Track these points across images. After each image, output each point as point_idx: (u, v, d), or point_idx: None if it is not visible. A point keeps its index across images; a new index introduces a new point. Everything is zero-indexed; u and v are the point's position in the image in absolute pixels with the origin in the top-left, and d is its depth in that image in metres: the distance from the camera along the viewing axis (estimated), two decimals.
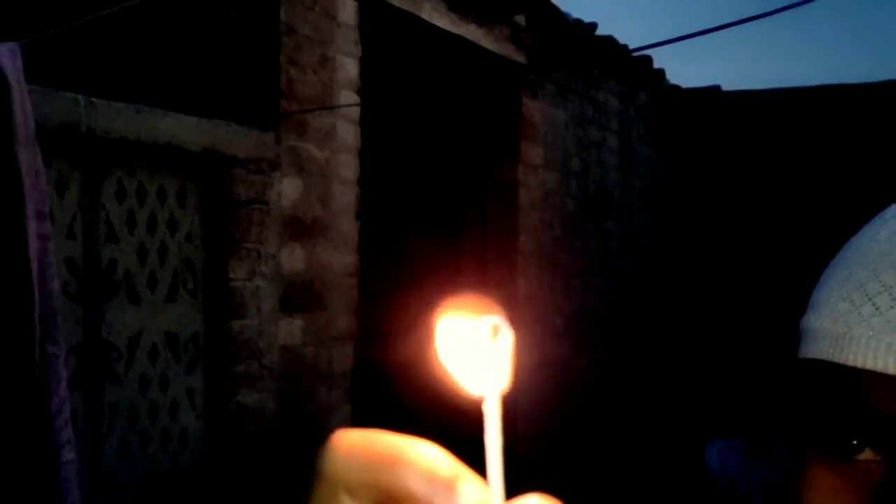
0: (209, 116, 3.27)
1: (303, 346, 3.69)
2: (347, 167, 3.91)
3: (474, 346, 0.34)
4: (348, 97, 3.90)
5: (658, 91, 7.19)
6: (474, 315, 0.34)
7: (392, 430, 0.33)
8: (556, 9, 5.42)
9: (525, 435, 5.12)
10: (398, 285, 4.89)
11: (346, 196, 3.91)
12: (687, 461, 4.46)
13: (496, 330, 0.34)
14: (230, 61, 3.55)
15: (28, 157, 2.22)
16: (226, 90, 3.53)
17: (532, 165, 5.49)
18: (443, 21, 4.56)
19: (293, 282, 3.62)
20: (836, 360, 0.51)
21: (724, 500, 3.67)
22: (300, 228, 3.66)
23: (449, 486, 0.31)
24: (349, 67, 3.91)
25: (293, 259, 3.62)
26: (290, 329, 3.62)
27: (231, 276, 3.35)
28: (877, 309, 0.50)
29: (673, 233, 7.48)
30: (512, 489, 0.33)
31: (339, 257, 3.88)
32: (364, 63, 4.01)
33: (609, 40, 6.00)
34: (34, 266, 2.20)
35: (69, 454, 2.24)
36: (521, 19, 5.22)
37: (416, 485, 0.31)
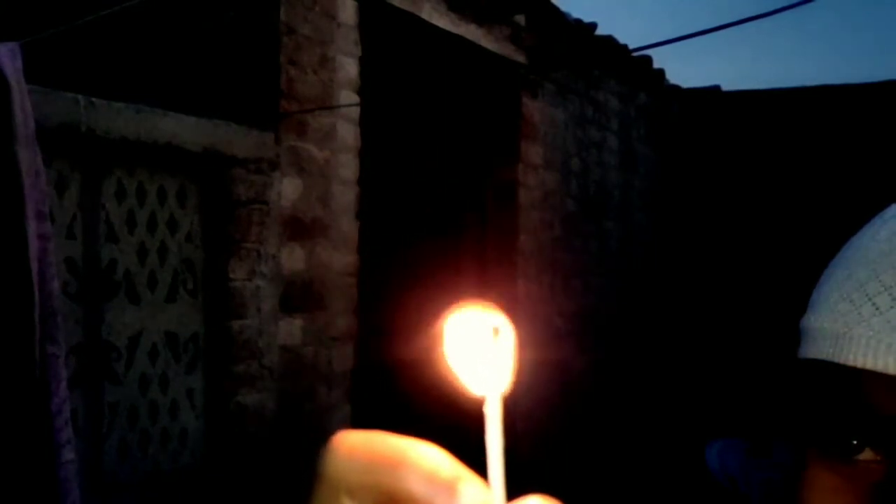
0: (209, 116, 3.27)
1: (303, 345, 3.69)
2: (347, 167, 3.91)
3: (477, 346, 0.34)
4: (348, 97, 3.90)
5: (658, 91, 7.19)
6: (477, 315, 0.34)
7: (393, 430, 0.33)
8: (556, 9, 5.42)
9: (525, 435, 5.12)
10: (398, 285, 4.90)
11: (346, 196, 3.91)
12: (687, 461, 4.46)
13: (498, 330, 0.34)
14: (230, 61, 3.55)
15: (28, 157, 2.22)
16: (226, 90, 3.53)
17: (532, 165, 5.49)
18: (443, 21, 4.56)
19: (293, 282, 3.62)
20: (836, 360, 0.51)
21: (724, 500, 3.67)
22: (300, 228, 3.66)
23: (450, 488, 0.31)
24: (349, 67, 3.91)
25: (293, 259, 3.62)
26: (290, 329, 3.62)
27: (231, 276, 3.35)
28: (877, 309, 0.50)
29: (673, 233, 7.48)
30: (512, 489, 0.33)
31: (339, 257, 3.88)
32: (364, 63, 4.01)
33: (609, 40, 6.00)
34: (34, 266, 2.20)
35: (69, 454, 2.24)
36: (520, 19, 5.22)
37: (417, 486, 0.31)
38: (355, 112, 3.93)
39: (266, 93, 3.53)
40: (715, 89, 7.74)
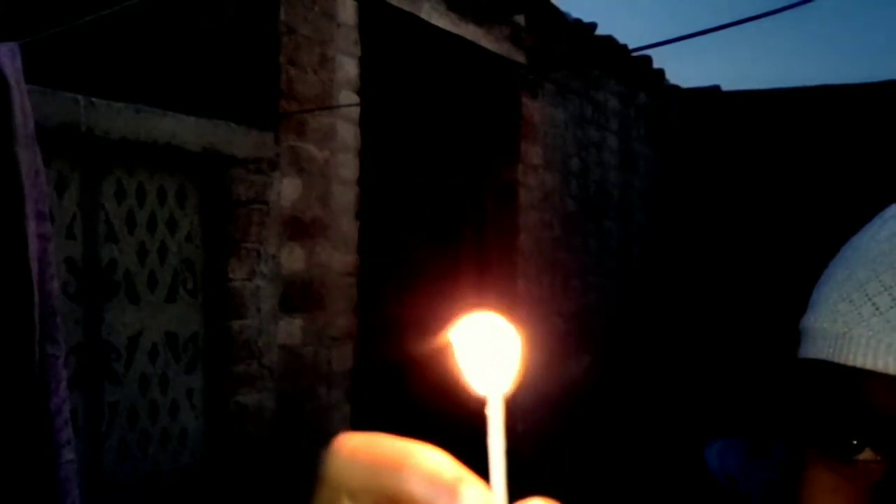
0: (209, 116, 3.27)
1: (302, 345, 3.69)
2: (347, 167, 3.91)
3: (483, 347, 0.34)
4: (348, 97, 3.90)
5: (658, 91, 7.19)
6: (485, 319, 0.34)
7: (392, 430, 0.33)
8: (555, 9, 5.42)
9: (525, 435, 5.12)
10: (398, 285, 4.89)
11: (345, 196, 3.91)
12: (687, 461, 4.46)
13: (504, 332, 0.34)
14: (230, 61, 3.55)
15: (28, 157, 2.22)
16: (225, 90, 3.53)
17: (532, 165, 5.49)
18: (442, 21, 4.56)
19: (293, 282, 3.62)
20: (835, 360, 0.51)
21: (723, 500, 3.67)
22: (300, 228, 3.66)
23: (452, 490, 0.31)
24: (349, 67, 3.91)
25: (293, 259, 3.62)
26: (290, 329, 3.62)
27: (231, 276, 3.35)
28: (877, 309, 0.50)
29: (673, 233, 7.48)
30: (513, 490, 0.33)
31: (339, 257, 3.88)
32: (364, 63, 4.01)
33: (609, 40, 6.00)
34: (34, 266, 2.20)
35: (69, 454, 2.24)
36: (520, 19, 5.22)
37: (418, 488, 0.31)
38: (355, 112, 3.93)
39: (266, 93, 3.53)
40: (715, 89, 7.74)
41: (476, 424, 0.37)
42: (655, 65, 6.87)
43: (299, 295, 3.65)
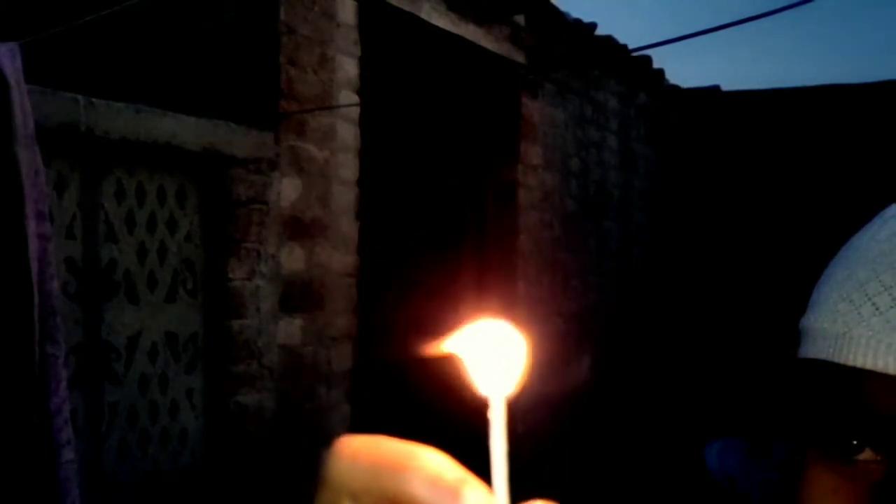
0: (209, 116, 3.27)
1: (302, 345, 3.69)
2: (347, 167, 3.91)
3: (487, 350, 0.34)
4: (348, 97, 3.90)
5: (658, 91, 7.19)
6: (491, 323, 0.34)
7: (392, 430, 0.33)
8: (555, 9, 5.42)
9: (525, 435, 5.12)
10: (398, 285, 4.89)
11: (345, 196, 3.91)
12: (687, 461, 4.46)
13: (510, 336, 0.34)
14: (230, 61, 3.55)
15: (28, 157, 2.22)
16: (225, 90, 3.53)
17: (532, 165, 5.49)
18: (442, 21, 4.56)
19: (293, 282, 3.62)
20: (835, 360, 0.51)
21: (724, 500, 3.67)
22: (300, 228, 3.66)
23: (454, 492, 0.31)
24: (349, 67, 3.91)
25: (292, 259, 3.62)
26: (290, 329, 3.62)
27: (230, 275, 3.35)
28: (877, 309, 0.50)
29: (673, 233, 7.48)
30: (513, 490, 0.33)
31: (339, 257, 3.88)
32: (364, 63, 4.01)
33: (609, 40, 6.00)
34: (34, 266, 2.20)
35: (69, 454, 2.24)
36: (520, 19, 5.22)
37: (420, 490, 0.31)
38: (355, 112, 3.93)
39: (266, 93, 3.53)
40: (715, 89, 7.74)
41: (476, 424, 0.37)
42: (655, 65, 6.87)
43: (299, 295, 3.65)
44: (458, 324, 0.34)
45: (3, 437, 2.21)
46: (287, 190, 3.59)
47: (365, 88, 4.02)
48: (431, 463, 0.32)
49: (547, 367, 5.30)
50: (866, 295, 0.51)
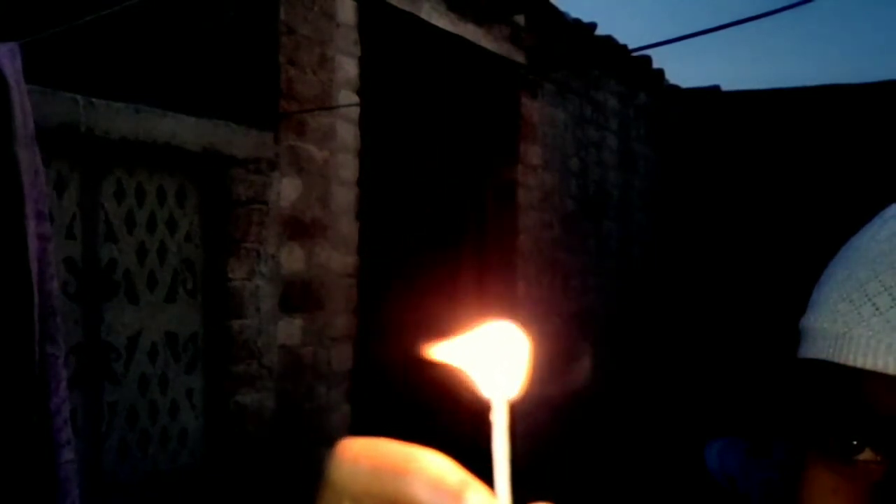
0: (209, 116, 3.27)
1: (302, 345, 3.69)
2: (347, 167, 3.91)
3: (490, 352, 0.34)
4: (348, 97, 3.90)
5: (658, 91, 7.19)
6: (495, 325, 0.34)
7: (392, 431, 0.33)
8: (555, 9, 5.42)
9: (525, 436, 5.12)
10: (398, 286, 4.89)
11: (345, 196, 3.91)
12: (687, 461, 4.46)
13: (514, 338, 0.34)
14: (230, 61, 3.55)
15: (28, 157, 2.22)
16: (225, 90, 3.53)
17: (531, 165, 5.49)
18: (442, 21, 4.56)
19: (292, 282, 3.62)
20: (835, 360, 0.51)
21: (723, 500, 3.67)
22: (299, 228, 3.66)
23: (456, 495, 0.31)
24: (348, 67, 3.91)
25: (292, 259, 3.62)
26: (290, 329, 3.62)
27: (230, 275, 3.35)
28: (877, 309, 0.50)
29: (673, 233, 7.48)
30: (513, 491, 0.33)
31: (339, 257, 3.88)
32: (363, 63, 4.00)
33: (608, 40, 6.00)
34: (34, 266, 2.20)
35: (69, 454, 2.24)
36: (520, 19, 5.22)
37: (422, 493, 0.31)
38: (355, 112, 3.93)
39: (265, 93, 3.53)
40: (715, 89, 7.74)
41: (476, 425, 0.37)
42: (655, 65, 6.87)
43: (299, 295, 3.65)
44: (459, 324, 0.34)
45: (3, 437, 2.21)
46: (287, 190, 3.59)
47: (365, 88, 4.02)
48: (433, 466, 0.32)
49: (547, 368, 5.28)
50: (866, 295, 0.51)
